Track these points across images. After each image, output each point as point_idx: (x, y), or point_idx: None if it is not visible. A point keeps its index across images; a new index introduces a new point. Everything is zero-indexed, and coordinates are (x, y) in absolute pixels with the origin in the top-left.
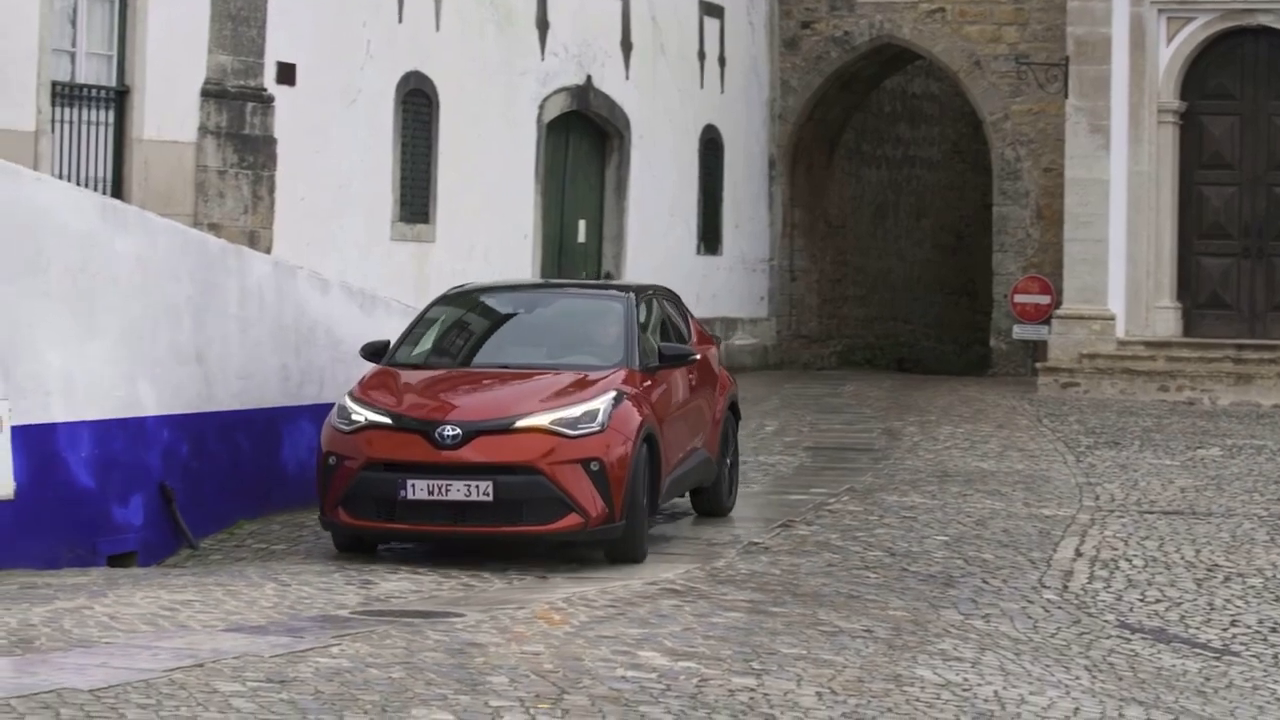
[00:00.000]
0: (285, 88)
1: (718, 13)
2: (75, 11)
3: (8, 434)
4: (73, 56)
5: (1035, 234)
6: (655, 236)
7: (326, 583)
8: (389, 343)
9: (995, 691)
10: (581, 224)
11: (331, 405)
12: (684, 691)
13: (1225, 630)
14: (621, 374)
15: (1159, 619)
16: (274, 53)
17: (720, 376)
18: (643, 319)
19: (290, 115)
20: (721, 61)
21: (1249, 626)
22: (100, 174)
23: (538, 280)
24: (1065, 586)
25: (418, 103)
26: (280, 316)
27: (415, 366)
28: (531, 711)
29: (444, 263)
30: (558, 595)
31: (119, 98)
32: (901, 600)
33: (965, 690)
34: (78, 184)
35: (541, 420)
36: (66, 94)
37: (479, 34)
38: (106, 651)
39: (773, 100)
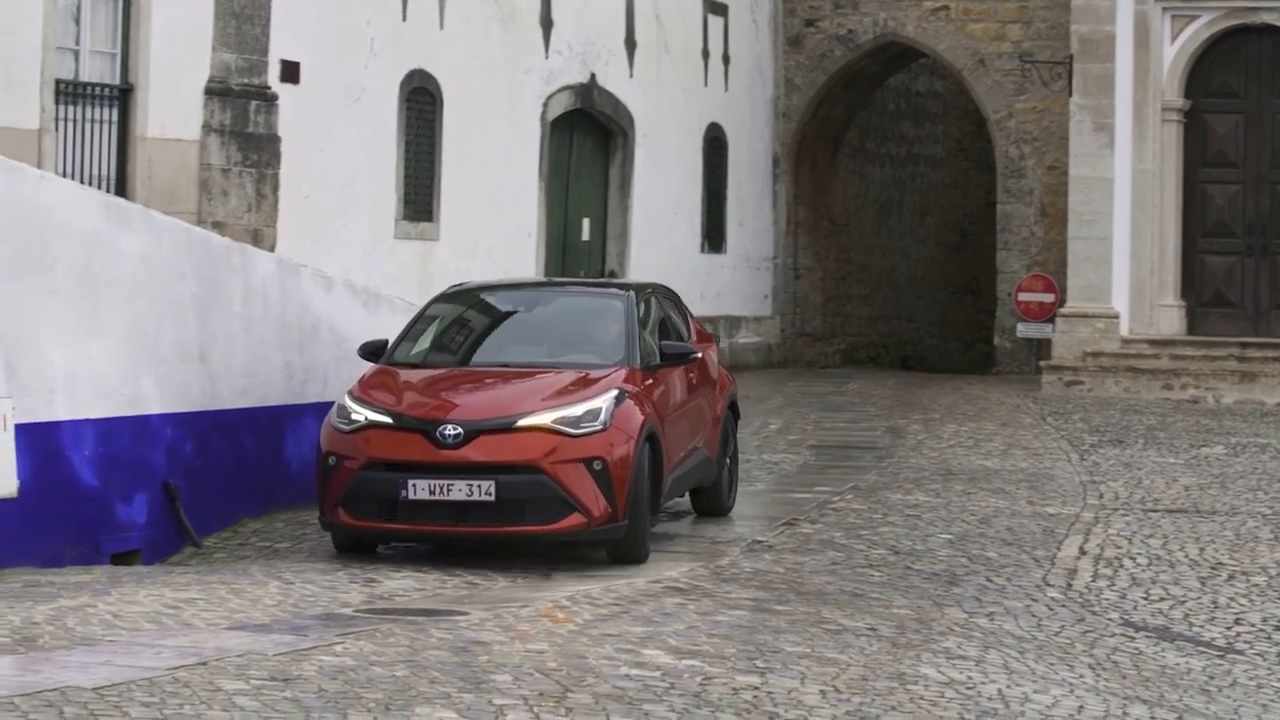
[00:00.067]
0: (289, 86)
1: (722, 10)
2: (79, 9)
3: (11, 432)
4: (76, 54)
5: (1039, 232)
6: (659, 235)
7: (330, 581)
8: (387, 342)
9: (999, 690)
10: (585, 222)
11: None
12: (688, 690)
13: (1229, 628)
14: (623, 372)
15: (1163, 617)
16: (278, 51)
17: (720, 375)
18: (641, 317)
19: (294, 113)
20: (725, 59)
21: (1253, 625)
22: (104, 172)
23: (536, 279)
24: (1069, 585)
25: (422, 101)
26: (284, 315)
27: (414, 365)
28: (535, 710)
29: (448, 261)
30: (561, 593)
31: (123, 95)
32: (905, 598)
33: (969, 688)
34: (82, 182)
35: (544, 419)
36: (70, 92)
37: (483, 32)
38: (110, 650)
39: (777, 98)
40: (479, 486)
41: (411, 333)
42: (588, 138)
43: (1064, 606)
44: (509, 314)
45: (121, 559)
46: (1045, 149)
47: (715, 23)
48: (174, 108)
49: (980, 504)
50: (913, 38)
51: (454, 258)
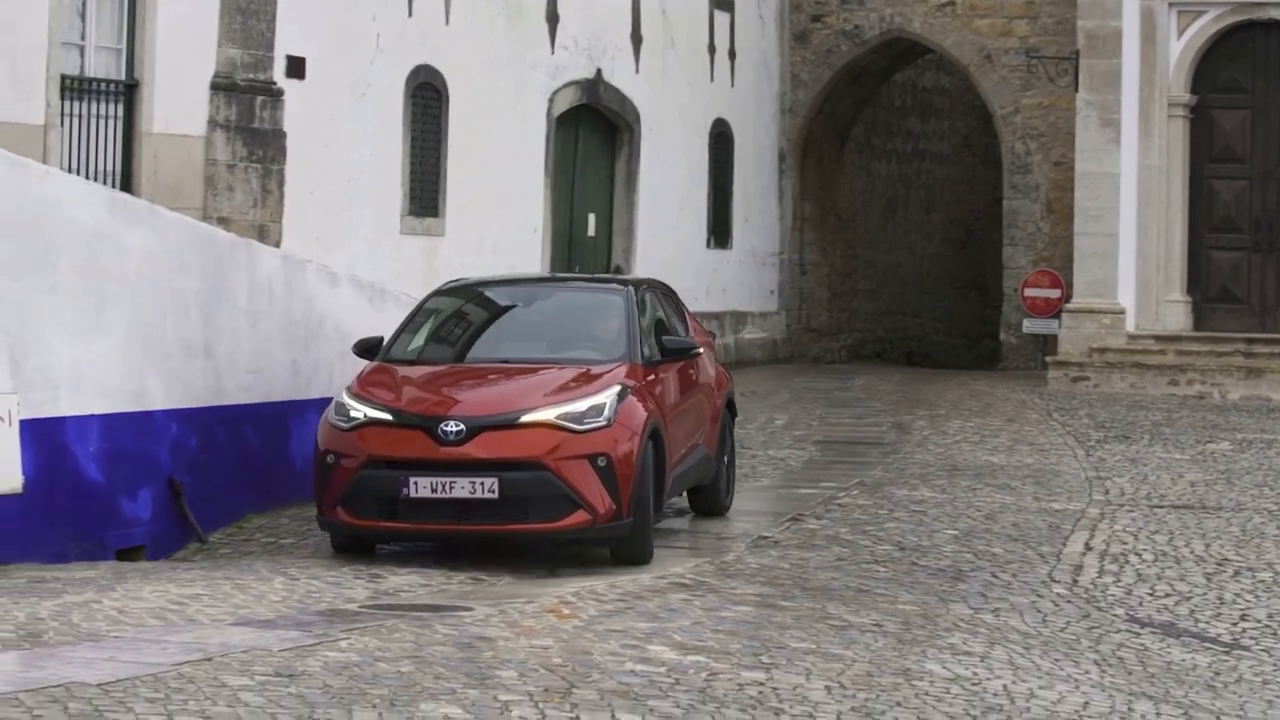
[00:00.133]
0: (295, 81)
1: (728, 6)
2: (84, 5)
3: (16, 428)
4: (82, 50)
5: (1045, 228)
6: (665, 230)
7: (335, 577)
8: (382, 339)
9: (1004, 685)
10: (591, 218)
11: None
12: (693, 685)
13: (1235, 625)
14: (624, 368)
15: (1168, 613)
16: (284, 46)
17: (717, 372)
18: (641, 313)
19: (300, 109)
20: (732, 55)
21: (1259, 621)
22: (109, 168)
23: (535, 274)
24: (1075, 581)
25: (427, 96)
26: (289, 310)
27: (412, 362)
28: (540, 705)
29: (453, 256)
30: (566, 589)
31: (128, 91)
32: (911, 594)
33: (974, 684)
34: (87, 178)
35: (547, 415)
36: (75, 88)
37: (489, 27)
38: (115, 645)
39: (783, 94)
40: (482, 484)
41: (408, 330)
42: (593, 133)
43: (1069, 602)
44: (508, 310)
45: (126, 555)
46: (1051, 145)
47: (721, 18)
48: (179, 103)
49: (986, 500)
50: (919, 33)
51: (459, 253)
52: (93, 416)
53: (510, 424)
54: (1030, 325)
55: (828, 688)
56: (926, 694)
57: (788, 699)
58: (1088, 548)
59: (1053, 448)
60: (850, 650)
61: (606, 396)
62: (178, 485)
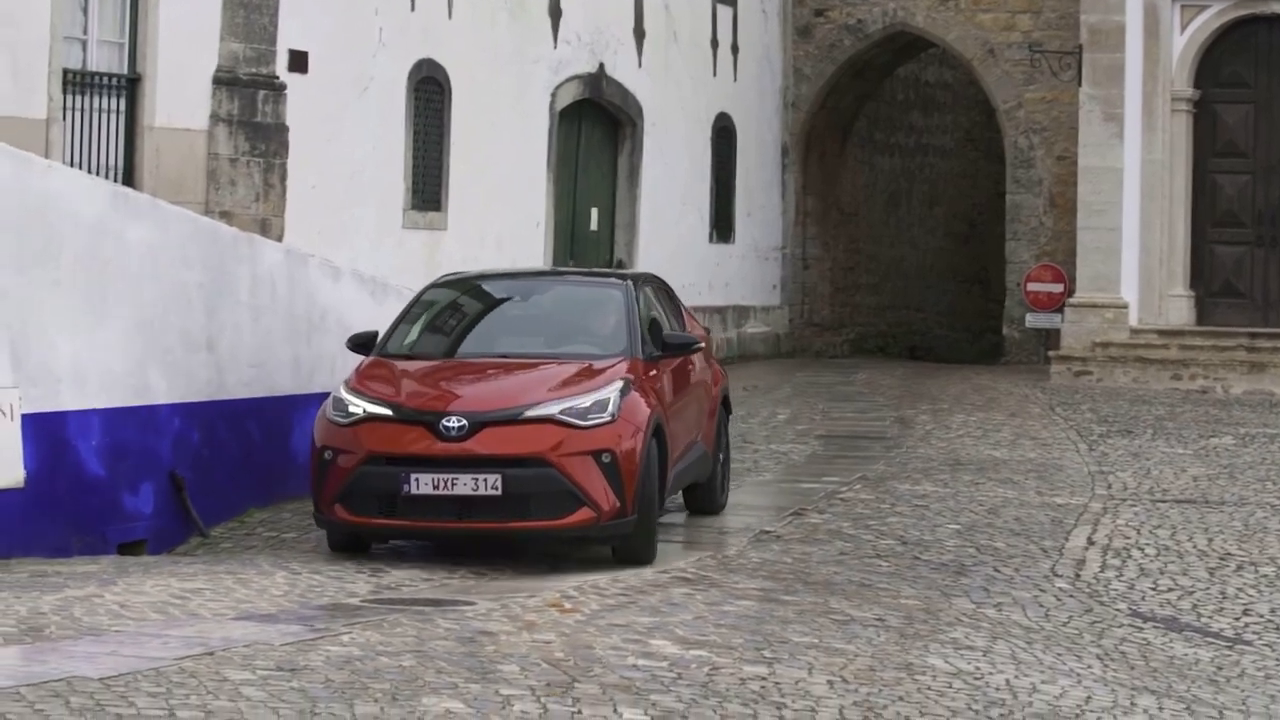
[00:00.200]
0: (297, 75)
1: (730, 0)
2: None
3: (18, 422)
4: (84, 44)
5: (1048, 222)
6: (668, 224)
7: (337, 571)
8: (377, 333)
9: (1007, 680)
10: (594, 212)
11: None
12: (695, 680)
13: (1237, 619)
14: (626, 363)
15: (1171, 608)
16: (286, 40)
17: (713, 368)
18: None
19: (302, 103)
20: (734, 49)
21: (1261, 615)
22: (111, 162)
23: (532, 268)
24: (1077, 575)
25: (430, 91)
26: (292, 305)
27: (408, 356)
28: (542, 700)
29: (455, 251)
30: (568, 584)
31: (130, 85)
32: (913, 589)
33: (977, 679)
34: (89, 172)
35: (551, 410)
36: (78, 82)
37: (491, 22)
38: (117, 640)
39: (785, 88)
40: (485, 480)
41: (404, 324)
42: (596, 127)
43: (1072, 597)
44: (506, 304)
45: (128, 549)
46: (1054, 139)
47: (724, 12)
48: (182, 97)
49: (988, 494)
50: (922, 28)
51: (462, 248)
52: (95, 411)
53: (513, 419)
54: (1033, 320)
55: (830, 682)
56: (929, 688)
57: (790, 693)
58: (1090, 542)
59: (1055, 442)
60: (853, 645)
61: (610, 392)
62: (179, 479)
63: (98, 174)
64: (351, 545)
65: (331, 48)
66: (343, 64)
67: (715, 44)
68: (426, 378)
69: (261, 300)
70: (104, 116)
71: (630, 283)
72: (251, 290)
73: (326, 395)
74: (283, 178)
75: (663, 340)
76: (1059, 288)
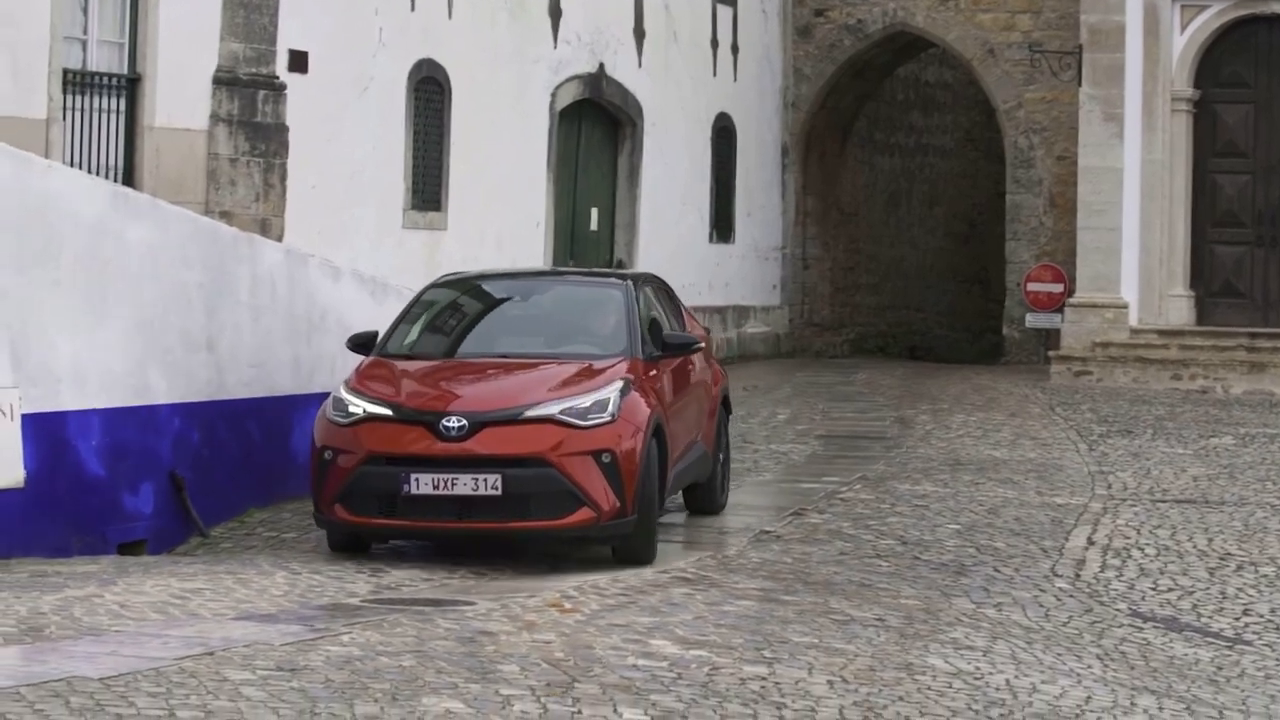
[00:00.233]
0: (297, 75)
1: (730, 0)
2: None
3: (18, 422)
4: (84, 44)
5: (1048, 222)
6: (667, 224)
7: (337, 571)
8: (376, 334)
9: (1007, 680)
10: (594, 212)
11: None
12: (695, 680)
13: (1237, 619)
14: (626, 363)
15: (1171, 608)
16: (286, 40)
17: (713, 368)
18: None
19: (302, 103)
20: (734, 49)
21: (1261, 615)
22: (111, 162)
23: (531, 268)
24: (1077, 575)
25: (430, 91)
26: (292, 305)
27: (408, 356)
28: (542, 700)
29: (455, 251)
30: (568, 584)
31: (130, 85)
32: (913, 589)
33: (977, 679)
34: (89, 172)
35: (551, 410)
36: (78, 82)
37: (491, 22)
38: (117, 640)
39: (785, 88)
40: (485, 480)
41: (403, 324)
42: (596, 127)
43: (1072, 597)
44: (505, 304)
45: (128, 549)
46: (1054, 139)
47: (724, 12)
48: (182, 97)
49: (988, 494)
50: (922, 28)
51: (462, 248)
52: (95, 411)
53: (513, 419)
54: (1033, 320)
55: (830, 682)
56: (929, 688)
57: (790, 693)
58: (1090, 542)
59: (1055, 442)
60: (853, 645)
61: (610, 392)
62: (179, 479)
63: (98, 174)
64: (351, 545)
65: (331, 48)
66: (343, 64)
67: (715, 44)
68: (426, 378)
69: (261, 300)
70: (104, 116)
71: (630, 282)
72: (251, 290)
73: (326, 395)
74: (283, 178)
75: (663, 340)
76: (1059, 288)
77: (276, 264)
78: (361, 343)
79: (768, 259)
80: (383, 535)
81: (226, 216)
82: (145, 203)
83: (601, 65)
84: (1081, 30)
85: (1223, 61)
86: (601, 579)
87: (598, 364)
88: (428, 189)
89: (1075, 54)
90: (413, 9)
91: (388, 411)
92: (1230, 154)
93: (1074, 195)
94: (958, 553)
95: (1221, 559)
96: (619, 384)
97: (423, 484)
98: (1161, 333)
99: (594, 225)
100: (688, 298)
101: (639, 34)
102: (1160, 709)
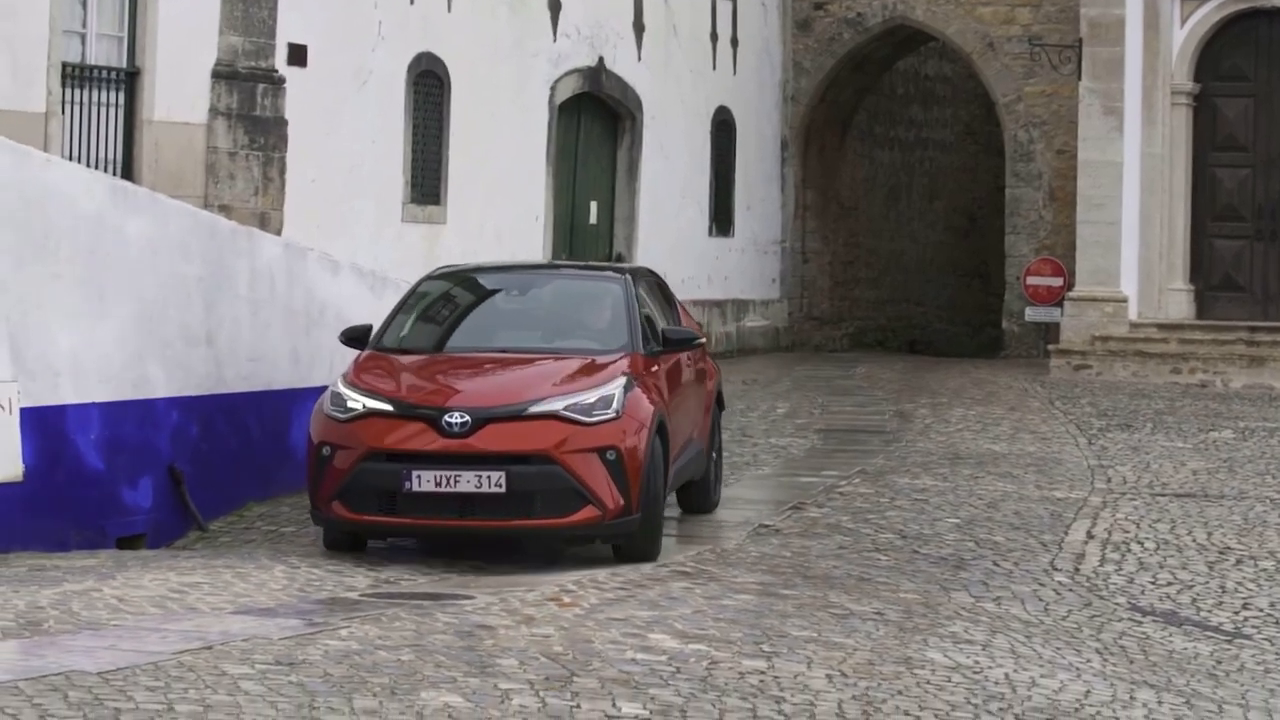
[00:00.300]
0: (296, 69)
1: None
2: None
3: (17, 416)
4: (83, 38)
5: (1048, 216)
6: (667, 218)
7: (336, 565)
8: (370, 327)
9: (1006, 674)
10: (593, 206)
11: None
12: (694, 674)
13: (1237, 613)
14: (628, 359)
15: (1170, 602)
16: (285, 34)
17: (707, 364)
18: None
19: (301, 97)
20: (734, 43)
21: (1261, 609)
22: (110, 155)
23: (528, 261)
24: (1077, 569)
25: (429, 84)
26: (290, 299)
27: (405, 350)
28: (541, 694)
29: (455, 244)
30: (567, 578)
31: (129, 79)
32: (912, 583)
33: (976, 673)
34: (88, 165)
35: (555, 406)
36: (77, 75)
37: (491, 15)
38: (115, 634)
39: (785, 82)
40: (489, 478)
41: (399, 318)
42: (595, 121)
43: (1071, 591)
44: (503, 298)
45: (127, 543)
46: (1054, 133)
47: (724, 6)
48: (181, 91)
49: (988, 488)
50: (922, 21)
51: (461, 241)
52: (93, 404)
53: (517, 415)
54: (1033, 313)
55: (829, 676)
56: (928, 682)
57: (789, 687)
58: (1089, 536)
59: (1055, 436)
60: (851, 639)
61: (614, 388)
62: (178, 473)
63: (97, 168)
64: (349, 543)
65: (330, 41)
66: (342, 57)
67: (715, 37)
68: (426, 372)
69: (260, 294)
70: (103, 110)
71: (629, 276)
72: (250, 284)
73: (325, 389)
74: (282, 171)
75: (663, 335)
76: (1058, 281)
77: (275, 258)
78: (355, 336)
79: (767, 253)
80: (382, 533)
81: (225, 210)
82: (144, 196)
83: (601, 59)
84: (1081, 24)
85: (1223, 55)
86: (600, 573)
87: (600, 359)
88: (427, 182)
89: (1075, 47)
90: (412, 2)
91: (387, 407)
92: (1230, 148)
93: (1074, 189)
94: (957, 547)
95: (1221, 553)
96: (622, 380)
97: (424, 481)
98: (1161, 326)
99: (593, 219)
100: (687, 291)
101: (638, 27)
102: (1159, 703)
